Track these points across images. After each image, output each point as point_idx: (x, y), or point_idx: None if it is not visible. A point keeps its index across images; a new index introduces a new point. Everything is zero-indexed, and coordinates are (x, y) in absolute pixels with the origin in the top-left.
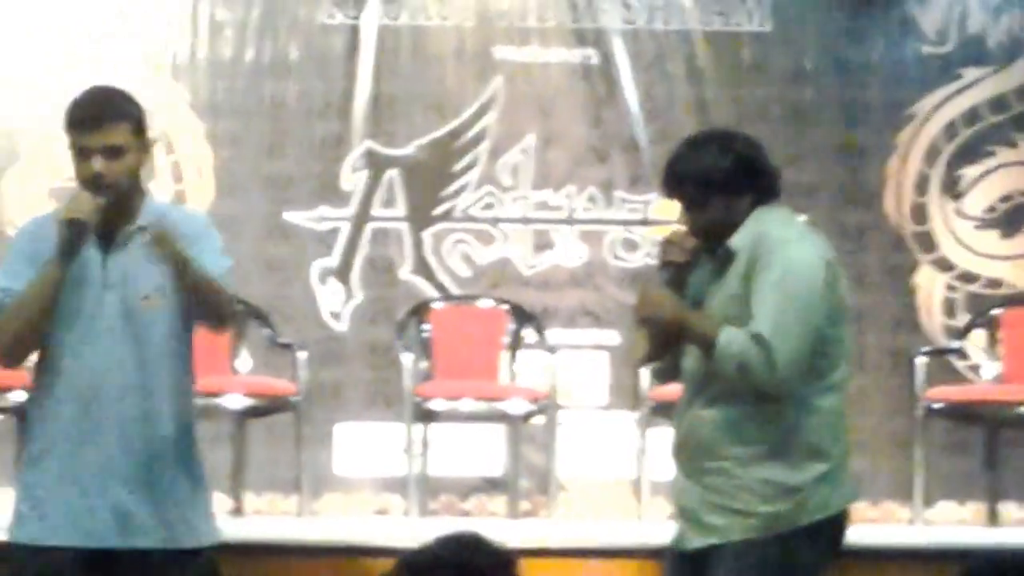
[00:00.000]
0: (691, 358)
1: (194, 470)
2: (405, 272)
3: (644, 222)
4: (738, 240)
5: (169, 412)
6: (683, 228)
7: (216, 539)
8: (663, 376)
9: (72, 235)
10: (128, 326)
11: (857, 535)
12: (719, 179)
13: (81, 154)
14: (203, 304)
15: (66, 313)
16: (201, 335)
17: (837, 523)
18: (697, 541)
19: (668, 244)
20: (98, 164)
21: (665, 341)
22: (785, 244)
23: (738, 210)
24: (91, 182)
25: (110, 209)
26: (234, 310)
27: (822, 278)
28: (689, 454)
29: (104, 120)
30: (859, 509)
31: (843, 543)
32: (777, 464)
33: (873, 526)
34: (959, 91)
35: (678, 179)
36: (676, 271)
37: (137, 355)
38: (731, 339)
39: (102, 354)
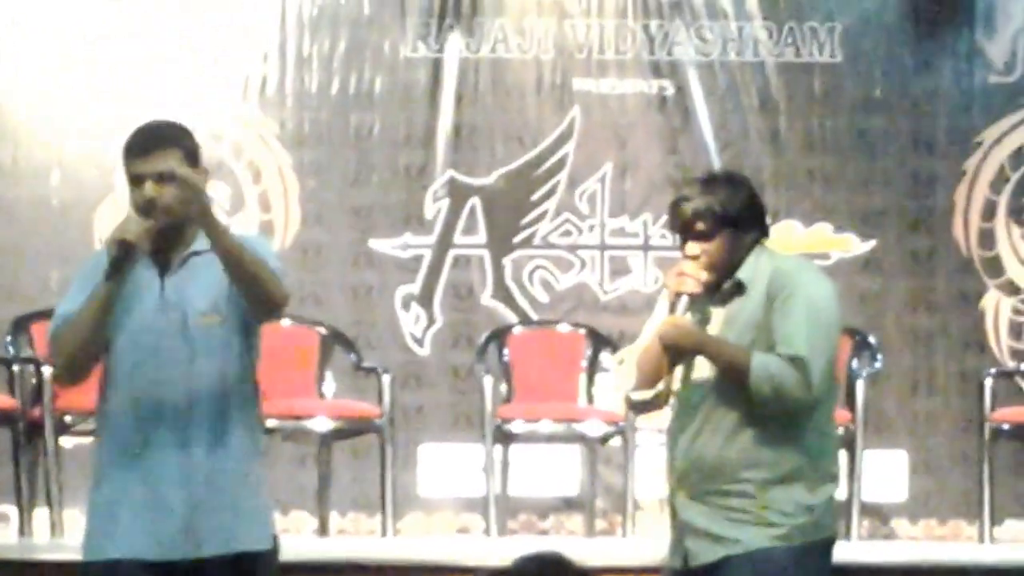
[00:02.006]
0: (692, 386)
1: (254, 478)
2: (486, 297)
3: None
4: (746, 273)
5: (231, 424)
6: (694, 261)
7: (274, 543)
8: (647, 407)
9: (120, 255)
10: (186, 344)
11: (926, 553)
12: (733, 215)
13: (134, 181)
14: (243, 279)
15: (126, 334)
16: (283, 361)
17: (834, 542)
18: (709, 555)
19: (681, 276)
20: (150, 190)
21: (659, 372)
22: (805, 275)
23: (743, 246)
24: (143, 207)
25: (166, 233)
26: (280, 290)
27: (838, 306)
28: (700, 478)
29: (155, 147)
30: (928, 527)
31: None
32: (796, 486)
33: (942, 544)
34: None
35: (692, 214)
36: (689, 301)
37: (197, 371)
38: (765, 362)
39: (163, 372)
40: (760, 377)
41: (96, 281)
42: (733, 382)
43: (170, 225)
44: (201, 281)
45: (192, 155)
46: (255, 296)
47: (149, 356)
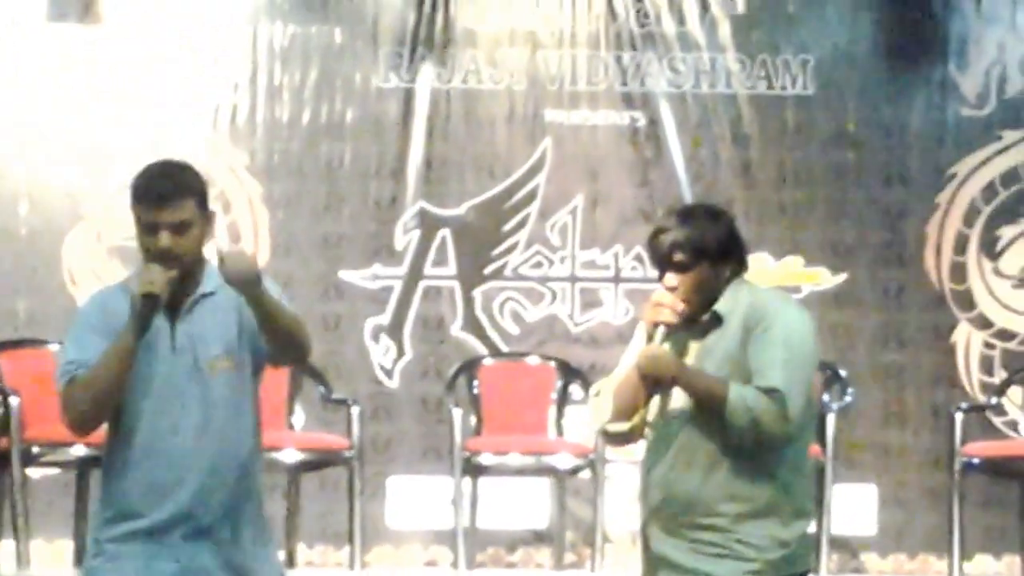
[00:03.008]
0: (667, 418)
1: (260, 521)
2: (456, 329)
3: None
4: (723, 306)
5: (238, 469)
6: (672, 292)
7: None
8: (622, 439)
9: (146, 308)
10: (197, 389)
11: None
12: (711, 247)
13: (148, 229)
14: (280, 332)
15: (137, 379)
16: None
17: None
18: None
19: (659, 306)
20: (166, 240)
21: (636, 404)
22: (783, 308)
23: (722, 278)
24: (159, 256)
25: (178, 278)
26: (309, 340)
27: (815, 340)
28: (674, 511)
29: (172, 196)
30: (898, 561)
31: None
32: (770, 520)
33: None
34: (998, 152)
35: (671, 245)
36: (666, 332)
37: (207, 416)
38: (743, 394)
39: (173, 417)
40: (737, 409)
41: (105, 328)
42: (710, 413)
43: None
44: (212, 325)
45: (204, 199)
46: (291, 350)
47: (163, 403)
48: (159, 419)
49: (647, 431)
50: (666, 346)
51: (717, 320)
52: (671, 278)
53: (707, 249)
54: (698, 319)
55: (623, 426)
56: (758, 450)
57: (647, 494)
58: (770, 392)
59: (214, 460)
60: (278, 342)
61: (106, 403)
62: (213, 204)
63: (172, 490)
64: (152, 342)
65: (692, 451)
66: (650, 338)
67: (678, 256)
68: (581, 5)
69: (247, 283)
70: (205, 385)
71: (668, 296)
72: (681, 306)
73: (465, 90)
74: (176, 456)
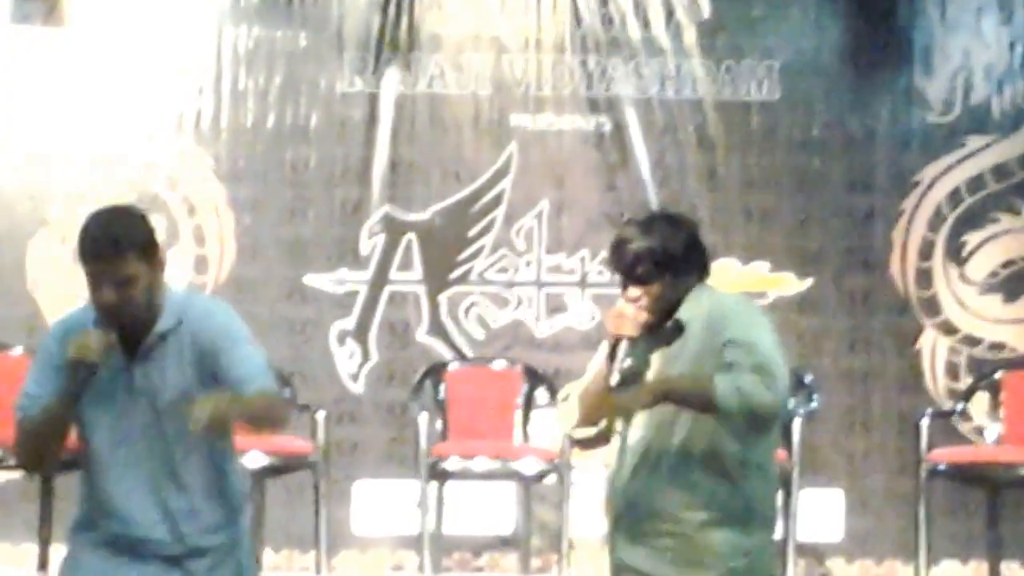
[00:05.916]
0: (631, 426)
1: (241, 554)
2: (421, 334)
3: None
4: (685, 313)
5: (209, 505)
6: (634, 303)
7: None
8: (590, 444)
9: (79, 376)
10: (158, 429)
11: None
12: (672, 258)
13: (94, 282)
14: (256, 424)
15: (97, 421)
16: None
17: None
18: None
19: (621, 318)
20: (111, 295)
21: (602, 409)
22: (744, 311)
23: (684, 286)
24: (106, 311)
25: (131, 322)
26: (286, 412)
27: (777, 338)
28: (637, 518)
29: (112, 252)
30: (864, 567)
31: None
32: (734, 529)
33: None
34: (963, 159)
35: (633, 258)
36: (629, 344)
37: (170, 456)
38: (728, 378)
39: (135, 458)
40: (726, 392)
41: (60, 359)
42: (701, 411)
43: (135, 319)
44: (170, 368)
45: (148, 248)
46: (265, 429)
47: (124, 444)
48: (118, 461)
49: (614, 437)
50: (629, 361)
51: (679, 327)
52: (634, 290)
53: (669, 261)
54: (660, 327)
55: (588, 432)
56: (753, 426)
57: (611, 501)
58: (755, 367)
59: (182, 498)
60: (254, 427)
61: (48, 451)
62: (178, 207)
63: (138, 533)
64: (110, 383)
65: (656, 459)
66: (613, 351)
67: (640, 269)
68: (546, 10)
69: (219, 430)
70: (164, 425)
71: (630, 307)
72: (643, 317)
73: (430, 95)
74: (139, 498)
